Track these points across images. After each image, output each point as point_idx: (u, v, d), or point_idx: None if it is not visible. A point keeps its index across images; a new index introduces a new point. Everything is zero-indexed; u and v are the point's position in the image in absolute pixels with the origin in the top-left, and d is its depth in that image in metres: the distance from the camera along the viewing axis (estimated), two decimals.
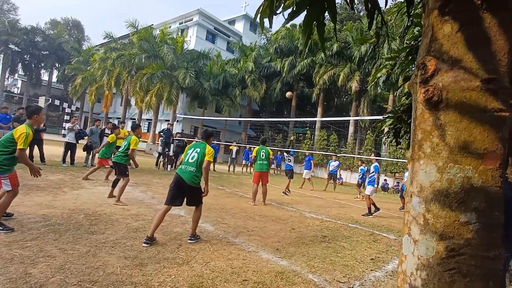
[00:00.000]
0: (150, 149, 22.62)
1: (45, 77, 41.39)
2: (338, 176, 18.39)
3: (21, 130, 3.48)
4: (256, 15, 1.58)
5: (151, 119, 25.78)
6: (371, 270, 3.61)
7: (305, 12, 1.46)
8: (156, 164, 12.99)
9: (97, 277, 2.58)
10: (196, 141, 4.40)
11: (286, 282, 2.95)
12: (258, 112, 33.55)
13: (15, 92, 45.97)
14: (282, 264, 3.41)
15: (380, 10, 1.61)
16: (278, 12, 1.54)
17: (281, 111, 33.44)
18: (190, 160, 3.91)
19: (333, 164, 13.73)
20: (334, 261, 3.74)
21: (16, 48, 35.23)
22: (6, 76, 38.81)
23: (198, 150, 3.96)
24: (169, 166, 12.98)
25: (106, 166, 7.94)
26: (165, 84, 21.63)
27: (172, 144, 13.11)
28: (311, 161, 12.75)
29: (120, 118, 29.03)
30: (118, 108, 33.12)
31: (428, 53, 1.16)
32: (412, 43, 2.35)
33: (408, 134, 2.47)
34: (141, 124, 27.01)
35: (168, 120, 23.06)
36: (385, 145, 19.97)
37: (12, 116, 9.67)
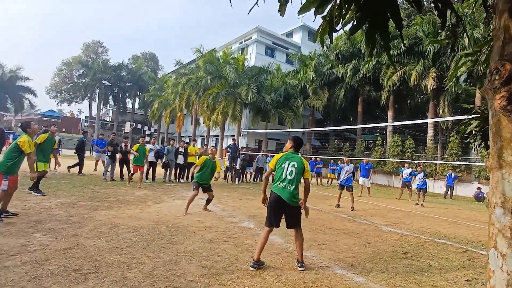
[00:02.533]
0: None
1: (129, 105, 47.98)
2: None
3: (24, 139, 4.60)
4: (316, 34, 1.59)
5: (218, 135, 27.38)
6: None
7: (367, 24, 1.43)
8: (225, 178, 13.63)
9: (180, 284, 2.80)
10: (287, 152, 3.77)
11: None
12: (322, 121, 32.78)
13: (107, 120, 54.24)
14: (358, 281, 3.19)
15: (453, 7, 1.47)
16: (338, 28, 1.53)
17: (346, 118, 32.06)
18: (288, 177, 3.49)
19: (406, 171, 12.61)
20: (420, 280, 3.34)
21: (107, 83, 41.76)
22: (101, 107, 46.06)
23: (295, 164, 3.53)
24: (236, 179, 13.50)
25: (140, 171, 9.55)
26: (229, 101, 22.84)
27: (238, 158, 13.66)
28: (371, 169, 12.86)
29: (191, 136, 31.59)
30: (189, 127, 36.07)
31: (502, 57, 1.07)
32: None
33: None
34: (209, 141, 29.01)
35: (234, 136, 24.16)
36: (473, 149, 17.32)
37: (106, 140, 11.36)
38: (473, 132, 2.23)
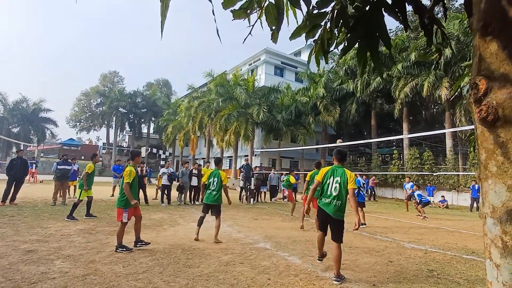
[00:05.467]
0: (233, 184, 23.89)
1: (144, 130, 49.39)
2: (441, 199, 16.00)
3: (127, 169, 4.76)
4: (309, 57, 1.66)
5: (232, 156, 27.54)
6: None
7: (357, 45, 1.50)
8: (240, 199, 13.55)
9: None
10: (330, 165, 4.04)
11: None
12: (334, 137, 32.44)
13: (124, 145, 55.78)
14: None
15: (440, 23, 1.52)
16: (331, 50, 1.61)
17: (360, 132, 31.68)
18: (333, 193, 3.68)
19: (407, 186, 12.75)
20: None
21: (123, 110, 43.34)
22: (118, 134, 47.55)
23: (339, 180, 3.69)
24: (251, 199, 13.39)
25: None
26: (241, 122, 23.12)
27: (252, 178, 13.62)
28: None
29: (205, 158, 31.92)
30: (202, 149, 36.53)
31: (479, 73, 1.16)
32: None
33: None
34: (222, 161, 29.19)
35: (247, 156, 24.24)
36: None
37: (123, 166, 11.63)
38: None
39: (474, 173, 16.65)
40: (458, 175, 17.91)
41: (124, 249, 4.54)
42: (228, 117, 22.89)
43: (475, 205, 14.53)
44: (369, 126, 25.79)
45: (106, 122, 46.55)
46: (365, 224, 8.07)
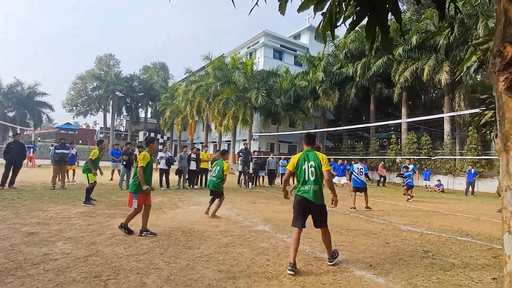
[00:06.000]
0: (231, 168, 24.01)
1: (142, 114, 49.00)
2: (437, 183, 16.20)
3: (142, 154, 4.67)
4: (317, 31, 1.59)
5: (230, 141, 27.53)
6: None
7: (366, 19, 1.43)
8: (238, 183, 13.65)
9: None
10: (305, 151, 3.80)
11: None
12: (333, 121, 32.44)
13: (121, 130, 55.49)
14: (378, 282, 3.11)
15: None
16: (338, 24, 1.54)
17: (359, 117, 31.61)
18: (311, 178, 3.53)
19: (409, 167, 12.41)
20: (443, 279, 3.23)
21: (120, 94, 42.84)
22: (115, 118, 47.17)
23: (313, 164, 3.56)
24: (250, 183, 13.49)
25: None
26: (239, 106, 22.95)
27: (251, 162, 13.67)
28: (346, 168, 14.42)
29: (203, 142, 31.90)
30: (200, 134, 36.44)
31: (504, 40, 1.08)
32: None
33: None
34: (221, 146, 29.18)
35: (245, 140, 24.23)
36: (492, 141, 16.57)
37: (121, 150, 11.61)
38: (489, 122, 2.14)
39: (470, 157, 16.81)
40: (455, 159, 18.06)
41: (127, 231, 4.58)
42: (226, 101, 22.68)
43: (470, 189, 14.74)
44: (368, 111, 25.71)
45: (102, 106, 46.05)
46: (370, 208, 8.20)
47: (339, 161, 15.63)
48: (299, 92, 24.62)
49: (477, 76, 17.83)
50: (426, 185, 16.64)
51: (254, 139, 26.33)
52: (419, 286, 3.03)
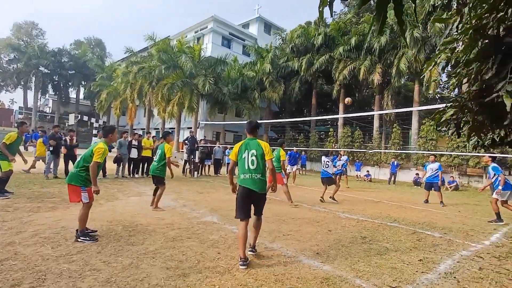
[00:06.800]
0: (175, 157, 23.06)
1: (73, 95, 43.73)
2: (366, 173, 17.90)
3: (101, 146, 3.91)
4: (320, 5, 1.45)
5: (174, 128, 26.34)
6: (422, 272, 3.37)
7: None
8: (183, 172, 13.17)
9: None
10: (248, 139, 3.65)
11: None
12: (278, 113, 33.37)
13: (47, 111, 48.81)
14: (325, 270, 3.26)
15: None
16: None
17: (301, 110, 33.05)
18: (251, 167, 3.43)
19: (433, 166, 12.63)
20: (380, 264, 3.54)
21: (45, 70, 37.48)
22: (39, 97, 41.21)
23: (255, 152, 3.45)
24: (195, 173, 13.12)
25: None
26: (185, 92, 21.99)
27: (197, 151, 13.25)
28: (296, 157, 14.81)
29: (144, 128, 29.95)
30: (142, 120, 34.14)
31: None
32: (475, 22, 2.09)
33: (469, 125, 2.25)
34: (171, 136, 27.70)
35: (191, 128, 23.44)
36: (448, 137, 17.47)
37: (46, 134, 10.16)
38: (448, 120, 2.35)
39: (393, 151, 18.99)
40: (381, 152, 20.21)
41: (88, 239, 3.70)
42: (171, 87, 21.52)
43: (392, 178, 16.67)
44: (310, 105, 27.03)
45: (22, 83, 39.77)
46: (335, 200, 8.35)
47: (294, 149, 16.04)
48: (246, 83, 24.62)
49: (402, 79, 20.02)
50: (357, 175, 18.51)
51: (200, 127, 25.64)
52: (362, 271, 3.26)
